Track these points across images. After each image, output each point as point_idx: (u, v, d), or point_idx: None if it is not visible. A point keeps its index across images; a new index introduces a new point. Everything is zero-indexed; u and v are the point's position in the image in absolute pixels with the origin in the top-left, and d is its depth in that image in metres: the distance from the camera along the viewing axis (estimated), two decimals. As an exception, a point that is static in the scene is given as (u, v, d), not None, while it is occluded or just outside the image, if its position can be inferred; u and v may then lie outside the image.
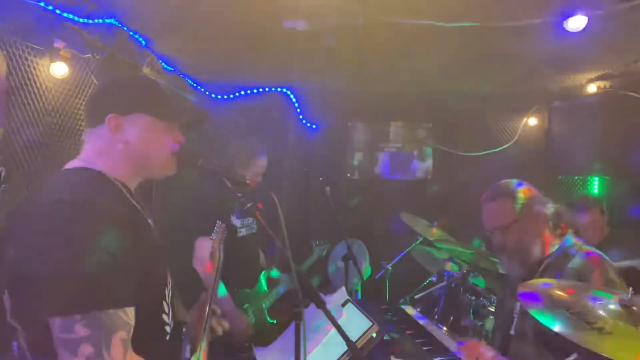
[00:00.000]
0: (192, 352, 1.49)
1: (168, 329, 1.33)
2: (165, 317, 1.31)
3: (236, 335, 2.73)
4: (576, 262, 1.84)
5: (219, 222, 1.93)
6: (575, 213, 3.12)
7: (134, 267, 1.17)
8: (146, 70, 3.44)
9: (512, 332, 1.97)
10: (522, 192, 1.96)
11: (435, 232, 3.61)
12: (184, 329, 1.43)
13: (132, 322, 1.15)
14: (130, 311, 1.14)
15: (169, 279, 1.35)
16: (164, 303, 1.30)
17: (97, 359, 1.06)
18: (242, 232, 2.96)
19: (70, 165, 1.33)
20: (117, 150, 1.33)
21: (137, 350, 1.19)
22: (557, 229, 1.97)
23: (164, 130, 1.39)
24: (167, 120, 1.39)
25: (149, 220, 1.37)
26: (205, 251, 2.76)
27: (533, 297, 1.51)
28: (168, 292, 1.33)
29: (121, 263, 1.13)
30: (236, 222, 2.92)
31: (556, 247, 1.93)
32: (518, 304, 1.96)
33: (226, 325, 1.67)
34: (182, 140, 1.44)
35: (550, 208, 1.97)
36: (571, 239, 1.96)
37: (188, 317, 1.59)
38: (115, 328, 1.10)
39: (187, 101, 1.38)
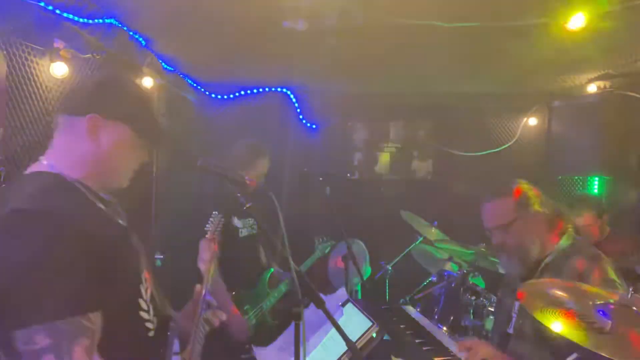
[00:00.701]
0: (183, 345, 1.49)
1: (150, 325, 1.33)
2: (144, 314, 1.31)
3: (236, 336, 2.73)
4: (575, 261, 1.84)
5: (214, 212, 1.90)
6: (572, 213, 3.12)
7: (97, 271, 1.15)
8: (146, 70, 3.45)
9: (510, 331, 1.97)
10: (522, 191, 1.96)
11: (434, 232, 3.62)
12: (171, 324, 1.43)
13: (96, 326, 1.15)
14: (94, 316, 1.14)
15: (146, 276, 1.35)
16: (141, 301, 1.30)
17: None
18: (244, 232, 2.96)
19: (33, 168, 1.30)
20: (85, 150, 1.30)
21: (117, 349, 1.20)
22: (557, 228, 1.97)
23: (136, 147, 1.37)
24: (145, 139, 1.38)
25: (120, 221, 1.37)
26: (209, 252, 2.76)
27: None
28: (145, 289, 1.33)
29: (79, 270, 1.12)
30: (237, 222, 2.92)
31: (555, 246, 1.93)
32: (517, 303, 1.97)
33: (223, 316, 1.66)
34: (146, 160, 1.44)
35: (550, 208, 1.97)
36: (571, 238, 1.96)
37: (180, 311, 1.60)
38: (77, 335, 1.10)
39: (160, 124, 1.39)
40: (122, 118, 1.33)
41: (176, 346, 1.44)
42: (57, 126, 1.34)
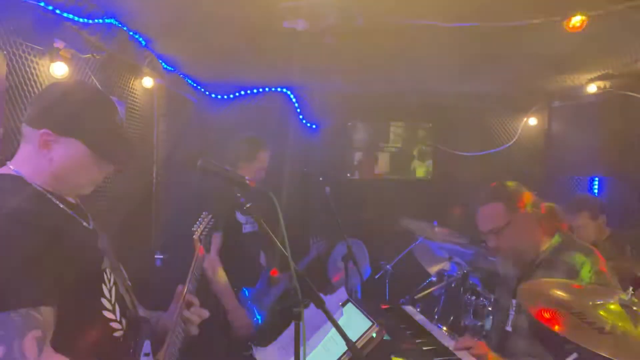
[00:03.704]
0: (157, 346, 1.49)
1: (117, 325, 1.35)
2: (108, 314, 1.33)
3: (239, 332, 2.73)
4: (567, 255, 1.86)
5: (204, 213, 1.89)
6: (566, 214, 3.12)
7: (53, 268, 1.18)
8: (146, 70, 3.44)
9: (508, 328, 1.98)
10: (514, 194, 1.95)
11: (436, 232, 3.61)
12: (142, 324, 1.44)
13: (50, 320, 1.17)
14: (47, 310, 1.16)
15: (110, 276, 1.37)
16: (104, 300, 1.32)
17: (9, 358, 1.09)
18: (247, 228, 2.95)
19: (1, 170, 1.34)
20: (41, 162, 1.32)
21: (78, 346, 1.23)
22: (549, 227, 1.97)
23: (94, 163, 1.36)
24: (103, 156, 1.37)
25: (83, 221, 1.39)
26: (214, 249, 2.76)
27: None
28: (109, 290, 1.34)
29: (34, 264, 1.15)
30: (241, 218, 2.91)
31: (549, 244, 1.94)
32: (514, 301, 1.98)
33: (205, 313, 1.65)
34: (109, 174, 1.43)
35: (541, 208, 1.97)
36: (562, 235, 1.96)
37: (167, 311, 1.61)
38: (28, 327, 1.12)
39: (126, 142, 1.38)
40: (75, 135, 1.32)
41: (147, 347, 1.44)
42: (22, 134, 1.36)
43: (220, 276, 2.75)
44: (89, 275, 1.31)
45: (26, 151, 1.35)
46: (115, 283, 1.39)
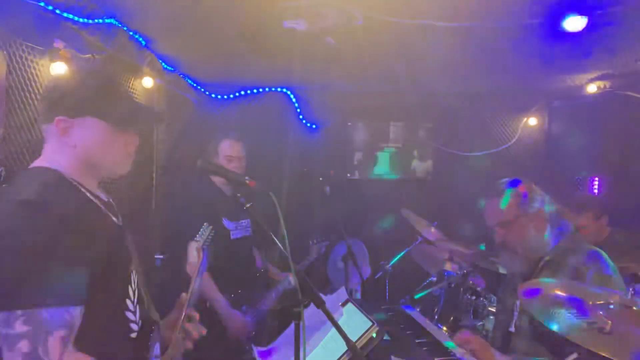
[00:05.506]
0: (163, 351, 1.49)
1: (135, 326, 1.35)
2: (130, 314, 1.33)
3: (234, 336, 2.73)
4: (574, 258, 1.86)
5: (205, 224, 1.90)
6: (570, 213, 3.12)
7: (86, 266, 1.18)
8: (146, 70, 3.44)
9: (511, 329, 1.98)
10: (525, 189, 1.97)
11: (434, 232, 3.61)
12: (153, 327, 1.44)
13: (76, 321, 1.17)
14: (75, 310, 1.16)
15: (135, 277, 1.37)
16: (128, 301, 1.32)
17: (32, 355, 1.08)
18: (236, 234, 2.95)
19: (35, 163, 1.34)
20: (68, 152, 1.32)
21: (99, 345, 1.23)
22: (558, 226, 1.98)
23: (117, 135, 1.36)
24: (120, 126, 1.36)
25: (114, 218, 1.38)
26: (195, 258, 2.74)
27: (534, 292, 1.51)
28: (133, 290, 1.34)
29: (68, 262, 1.14)
30: (229, 225, 2.91)
31: (556, 244, 1.95)
32: (518, 302, 1.98)
33: (203, 330, 1.63)
34: (137, 143, 1.42)
35: (552, 206, 1.98)
36: (571, 236, 1.97)
37: (165, 318, 1.61)
38: (55, 326, 1.12)
39: (140, 106, 1.38)
40: (87, 112, 1.32)
41: (157, 350, 1.44)
42: (44, 134, 1.37)
43: (210, 282, 2.74)
44: (119, 276, 1.31)
45: (50, 148, 1.34)
46: (138, 284, 1.39)
